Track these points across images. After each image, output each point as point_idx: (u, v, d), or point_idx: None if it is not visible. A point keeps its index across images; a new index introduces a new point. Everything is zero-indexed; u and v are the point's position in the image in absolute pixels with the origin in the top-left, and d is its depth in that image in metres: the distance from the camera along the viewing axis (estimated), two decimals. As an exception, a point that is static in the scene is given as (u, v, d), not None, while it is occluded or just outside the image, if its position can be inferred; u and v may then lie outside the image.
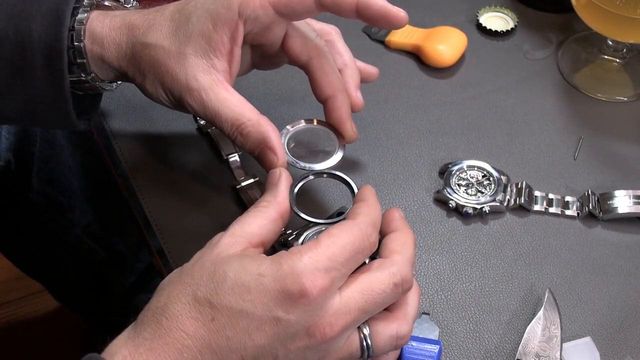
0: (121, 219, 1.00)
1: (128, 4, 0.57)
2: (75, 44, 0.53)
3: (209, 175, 0.64)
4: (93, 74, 0.55)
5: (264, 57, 0.57)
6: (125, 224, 1.01)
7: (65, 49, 0.52)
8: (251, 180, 0.63)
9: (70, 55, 0.53)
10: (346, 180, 0.52)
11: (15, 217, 0.90)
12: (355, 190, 0.51)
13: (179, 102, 0.53)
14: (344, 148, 0.55)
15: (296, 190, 0.50)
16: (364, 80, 0.61)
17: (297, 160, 0.53)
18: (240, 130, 0.52)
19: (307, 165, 0.53)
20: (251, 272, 0.41)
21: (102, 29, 0.53)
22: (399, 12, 0.52)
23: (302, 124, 0.56)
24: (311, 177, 0.52)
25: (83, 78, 0.55)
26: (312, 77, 0.56)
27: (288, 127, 0.55)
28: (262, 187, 0.62)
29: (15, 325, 1.33)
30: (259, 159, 0.53)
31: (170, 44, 0.52)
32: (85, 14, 0.53)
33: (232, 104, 0.51)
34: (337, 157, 0.54)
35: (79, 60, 0.54)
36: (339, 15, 0.52)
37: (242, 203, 0.62)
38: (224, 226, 0.61)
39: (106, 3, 0.56)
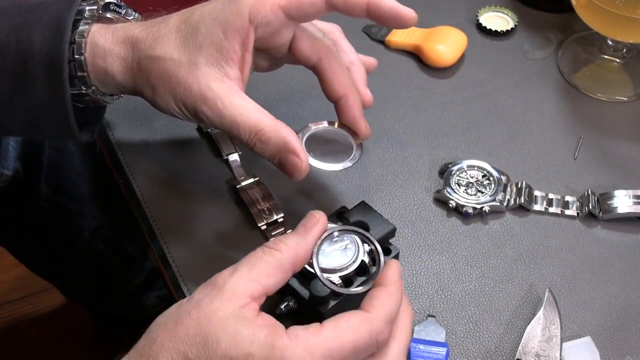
0: (130, 220, 1.00)
1: (130, 16, 0.57)
2: (76, 56, 0.52)
3: (209, 175, 0.64)
4: (94, 87, 0.54)
5: (266, 60, 0.57)
6: (134, 225, 1.01)
7: (66, 60, 0.52)
8: (251, 180, 0.63)
9: (71, 67, 0.53)
10: (375, 246, 0.50)
11: (23, 223, 0.90)
12: (382, 259, 0.49)
13: (192, 112, 0.52)
14: (361, 148, 0.56)
15: (320, 244, 0.48)
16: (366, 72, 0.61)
17: (317, 161, 0.53)
18: (260, 136, 0.51)
19: (328, 166, 0.53)
20: (242, 348, 0.41)
21: (104, 42, 0.53)
22: (409, 12, 0.52)
23: (312, 127, 0.56)
24: (336, 233, 0.51)
25: (84, 91, 0.54)
26: (322, 77, 0.56)
27: (300, 133, 0.55)
28: (262, 186, 0.62)
29: (15, 326, 1.33)
30: (280, 164, 0.52)
31: (180, 55, 0.51)
32: (87, 27, 0.53)
33: (248, 111, 0.51)
34: (356, 155, 0.55)
35: (79, 74, 0.53)
36: (349, 15, 0.53)
37: (242, 203, 0.62)
38: (223, 226, 0.61)
39: (108, 15, 0.55)
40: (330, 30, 0.60)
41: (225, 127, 0.51)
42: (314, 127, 0.56)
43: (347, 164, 0.54)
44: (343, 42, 0.60)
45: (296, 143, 0.51)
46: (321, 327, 0.41)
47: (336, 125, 0.57)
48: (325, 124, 0.57)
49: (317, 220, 0.47)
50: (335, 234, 0.51)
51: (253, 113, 0.51)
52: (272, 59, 0.57)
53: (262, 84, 0.72)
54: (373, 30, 0.77)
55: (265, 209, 0.61)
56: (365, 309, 0.43)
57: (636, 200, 0.61)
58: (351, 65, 0.59)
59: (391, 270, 0.46)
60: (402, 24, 0.52)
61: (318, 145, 0.55)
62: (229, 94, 0.51)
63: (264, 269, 0.44)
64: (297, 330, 0.41)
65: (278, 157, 0.51)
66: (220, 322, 0.42)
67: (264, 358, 0.40)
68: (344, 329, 0.41)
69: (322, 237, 0.48)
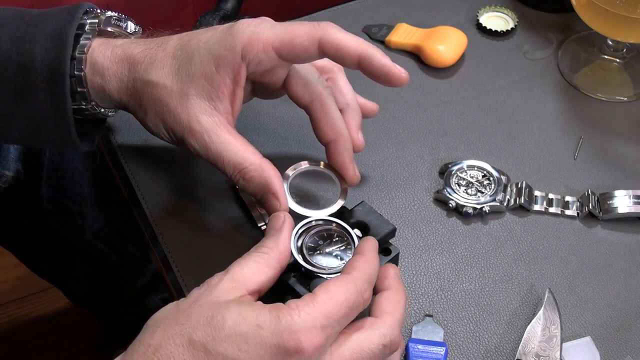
0: (132, 222, 1.00)
1: (130, 30, 0.57)
2: (76, 73, 0.53)
3: (209, 175, 0.64)
4: (93, 103, 0.55)
5: (264, 90, 0.57)
6: (136, 226, 1.01)
7: (67, 72, 0.52)
8: (251, 181, 0.63)
9: (71, 83, 0.53)
10: (348, 232, 0.52)
11: (25, 224, 0.90)
12: (356, 241, 0.51)
13: (180, 141, 0.53)
14: (345, 194, 0.55)
15: (297, 237, 0.50)
16: (364, 117, 0.61)
17: (298, 206, 0.53)
18: (243, 174, 0.51)
19: (308, 212, 0.53)
20: (250, 323, 0.41)
21: (103, 60, 0.53)
22: (401, 72, 0.53)
23: (303, 166, 0.56)
24: (313, 222, 0.52)
25: (84, 106, 0.55)
26: (313, 119, 0.56)
27: (289, 170, 0.55)
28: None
29: (15, 326, 1.34)
30: (261, 202, 0.53)
31: (172, 83, 0.52)
32: (87, 41, 0.53)
33: (234, 147, 0.51)
34: (338, 204, 0.54)
35: (79, 89, 0.53)
36: (341, 64, 0.53)
37: (242, 203, 0.62)
38: (224, 227, 0.61)
39: (109, 29, 0.55)
40: (330, 69, 0.59)
41: (210, 160, 0.52)
42: (298, 169, 0.56)
43: (329, 211, 0.54)
44: (341, 82, 0.59)
45: (278, 185, 0.52)
46: (314, 294, 0.43)
47: (321, 165, 0.57)
48: (313, 164, 0.56)
49: (283, 219, 0.49)
50: (313, 223, 0.52)
51: (239, 149, 0.51)
52: (269, 91, 0.57)
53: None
54: (373, 30, 0.77)
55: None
56: (347, 272, 0.45)
57: (636, 200, 0.61)
58: (346, 107, 0.58)
59: (367, 243, 0.49)
60: (392, 82, 0.53)
61: (303, 186, 0.56)
62: (216, 129, 0.51)
63: (255, 267, 0.45)
64: (295, 302, 0.42)
65: (259, 195, 0.52)
66: (223, 304, 0.42)
67: (273, 327, 0.41)
68: (335, 291, 0.43)
69: (297, 229, 0.50)
